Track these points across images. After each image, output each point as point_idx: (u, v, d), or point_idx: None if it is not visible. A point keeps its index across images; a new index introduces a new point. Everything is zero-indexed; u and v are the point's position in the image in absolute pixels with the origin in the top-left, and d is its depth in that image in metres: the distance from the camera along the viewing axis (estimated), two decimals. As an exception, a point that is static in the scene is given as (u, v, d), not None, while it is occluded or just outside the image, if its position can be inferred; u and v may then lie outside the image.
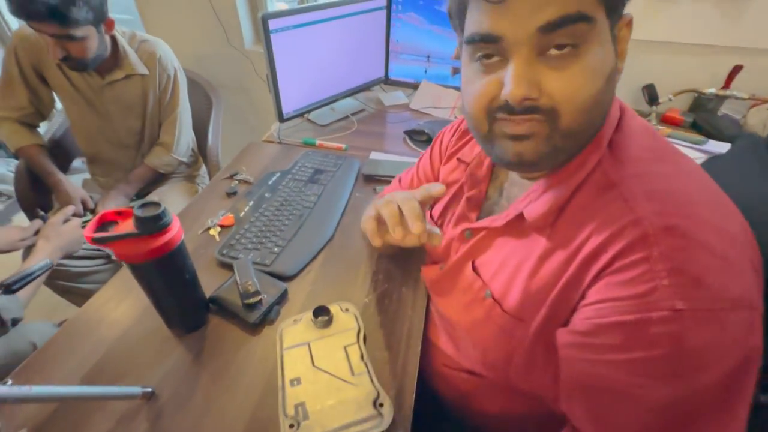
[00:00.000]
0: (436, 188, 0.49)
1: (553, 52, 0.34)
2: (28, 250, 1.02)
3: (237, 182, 0.94)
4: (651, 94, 1.29)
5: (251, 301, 0.61)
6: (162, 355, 0.57)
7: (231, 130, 1.79)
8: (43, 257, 0.84)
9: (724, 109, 1.27)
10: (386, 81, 1.38)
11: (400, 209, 0.49)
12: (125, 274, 0.69)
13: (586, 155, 0.41)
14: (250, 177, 0.95)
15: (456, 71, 1.30)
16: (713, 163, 0.66)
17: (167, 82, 1.17)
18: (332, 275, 0.71)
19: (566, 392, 0.41)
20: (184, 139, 1.26)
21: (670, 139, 0.49)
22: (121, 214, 0.50)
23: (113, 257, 1.18)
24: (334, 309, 0.62)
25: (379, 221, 0.55)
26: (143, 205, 0.48)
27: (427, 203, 0.53)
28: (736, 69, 1.22)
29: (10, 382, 0.49)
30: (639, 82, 1.32)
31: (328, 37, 1.10)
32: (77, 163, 1.39)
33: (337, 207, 0.86)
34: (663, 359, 0.32)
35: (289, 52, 1.01)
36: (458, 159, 0.61)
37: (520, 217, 0.45)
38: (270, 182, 0.91)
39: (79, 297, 1.11)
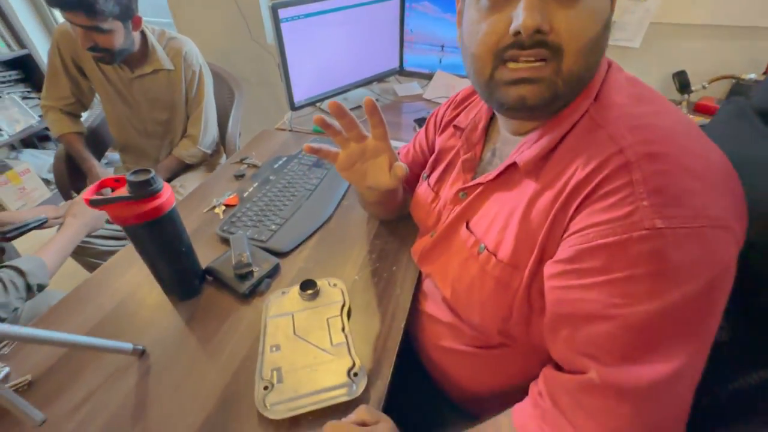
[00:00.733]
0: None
1: None
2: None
3: (246, 166, 0.98)
4: (682, 82, 1.21)
5: (242, 272, 0.63)
6: (157, 319, 0.61)
7: (253, 121, 1.86)
8: (70, 233, 0.91)
9: (766, 97, 1.17)
10: (401, 72, 1.38)
11: None
12: (123, 254, 0.74)
13: (578, 102, 0.42)
14: (258, 161, 0.98)
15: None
16: (705, 129, 0.62)
17: (192, 77, 1.24)
18: (325, 254, 0.72)
19: (550, 326, 0.41)
20: (210, 132, 1.34)
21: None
22: (119, 181, 0.54)
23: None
24: (321, 283, 0.63)
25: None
26: (135, 171, 0.51)
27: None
28: (780, 52, 1.12)
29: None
30: (670, 68, 1.24)
31: (340, 26, 1.12)
32: (113, 156, 1.50)
33: (338, 190, 0.87)
34: (643, 277, 0.33)
35: (300, 40, 1.03)
36: (454, 126, 0.62)
37: (513, 167, 0.46)
38: (276, 166, 0.94)
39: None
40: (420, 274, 0.67)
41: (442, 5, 1.21)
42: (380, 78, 1.35)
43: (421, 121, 1.15)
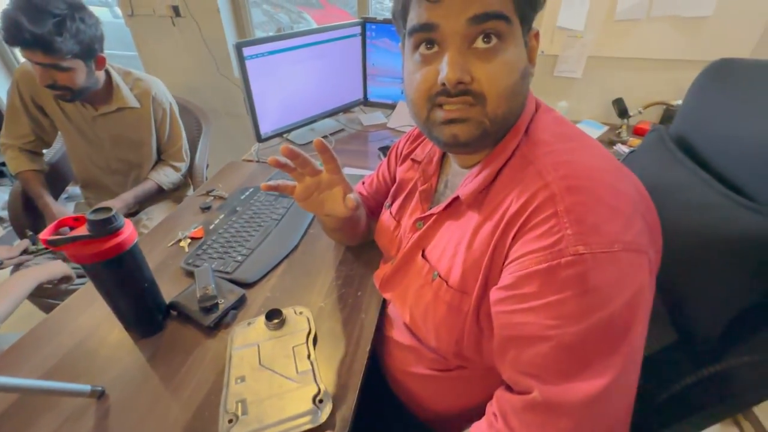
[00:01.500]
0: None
1: (480, 44, 0.41)
2: (16, 269, 1.06)
3: (212, 198, 0.98)
4: (621, 108, 1.33)
5: (207, 304, 0.63)
6: (118, 357, 0.59)
7: (220, 153, 1.86)
8: (23, 280, 0.87)
9: (693, 120, 1.30)
10: (365, 102, 1.44)
11: None
12: (82, 292, 0.72)
13: (508, 140, 0.47)
14: (224, 193, 1.00)
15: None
16: (633, 156, 0.70)
17: (164, 117, 1.26)
18: (292, 282, 0.74)
19: (498, 348, 0.44)
20: (188, 161, 1.38)
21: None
22: (78, 220, 0.54)
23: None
24: (287, 312, 0.64)
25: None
26: (95, 210, 0.52)
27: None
28: (700, 81, 1.25)
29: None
30: (610, 96, 1.37)
31: (304, 62, 1.17)
32: (75, 190, 1.46)
33: (304, 219, 0.89)
34: (572, 299, 0.36)
35: (264, 76, 1.07)
36: (412, 159, 0.67)
37: (458, 199, 0.51)
38: (242, 197, 0.95)
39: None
40: (384, 299, 0.70)
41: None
42: (346, 109, 1.40)
43: (384, 150, 1.20)
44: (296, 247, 0.82)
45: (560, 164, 0.41)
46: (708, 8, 1.16)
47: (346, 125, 1.42)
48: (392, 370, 0.64)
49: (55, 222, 0.53)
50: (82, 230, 0.52)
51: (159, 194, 1.35)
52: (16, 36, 0.89)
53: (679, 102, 1.28)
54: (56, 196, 1.30)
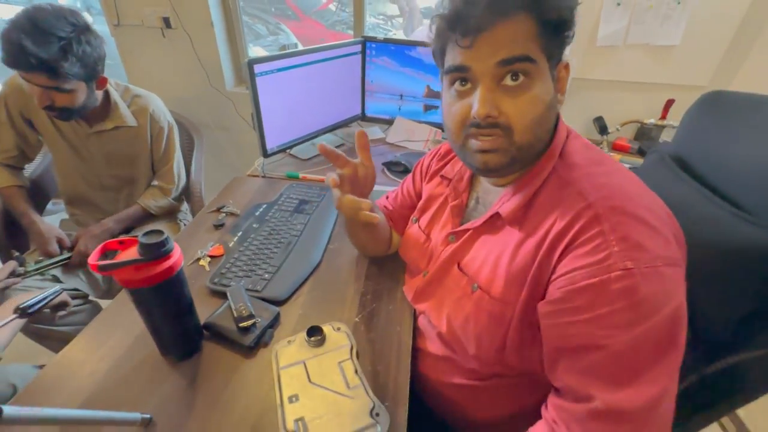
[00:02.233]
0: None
1: (509, 82, 0.46)
2: (2, 293, 0.99)
3: (224, 214, 0.97)
4: (601, 125, 1.44)
5: (246, 324, 0.63)
6: (157, 383, 0.58)
7: (212, 166, 1.82)
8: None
9: (664, 136, 1.44)
10: (363, 117, 1.48)
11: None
12: (104, 316, 0.69)
13: (544, 163, 0.51)
14: (236, 209, 0.99)
15: (427, 108, 1.42)
16: (637, 175, 0.78)
17: (159, 134, 1.21)
18: (321, 298, 0.75)
19: (549, 358, 0.47)
20: (181, 184, 1.31)
21: (621, 163, 0.63)
22: (123, 243, 0.53)
23: (91, 297, 1.15)
24: (326, 329, 0.65)
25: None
26: (147, 233, 0.51)
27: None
28: (669, 102, 1.39)
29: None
30: (591, 115, 1.48)
31: (308, 79, 1.19)
32: (57, 207, 1.38)
33: (323, 234, 0.90)
34: (623, 310, 0.40)
35: (272, 92, 1.08)
36: (441, 176, 0.70)
37: (496, 216, 0.54)
38: (257, 213, 0.95)
39: (56, 342, 1.07)
40: (414, 311, 0.72)
41: (400, 60, 1.34)
42: (345, 124, 1.43)
43: (390, 165, 1.23)
44: (320, 263, 0.83)
45: (600, 186, 0.46)
46: (676, 38, 1.30)
47: (345, 140, 1.45)
48: (426, 381, 0.67)
49: (101, 246, 0.52)
50: (130, 253, 0.51)
51: (149, 218, 1.30)
52: (19, 60, 0.84)
53: (652, 120, 1.41)
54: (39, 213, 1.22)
